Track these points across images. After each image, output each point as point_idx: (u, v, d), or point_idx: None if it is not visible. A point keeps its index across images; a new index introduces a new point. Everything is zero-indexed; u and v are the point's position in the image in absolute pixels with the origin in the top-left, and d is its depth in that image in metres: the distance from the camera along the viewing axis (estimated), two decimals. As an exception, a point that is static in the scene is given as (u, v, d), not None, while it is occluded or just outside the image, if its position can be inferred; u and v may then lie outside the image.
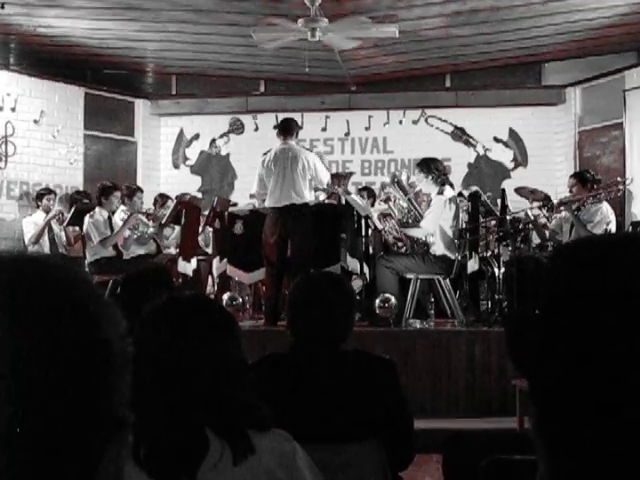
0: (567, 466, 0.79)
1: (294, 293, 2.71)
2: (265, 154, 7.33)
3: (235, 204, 8.48)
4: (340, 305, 2.62)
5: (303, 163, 7.01)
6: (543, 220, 7.81)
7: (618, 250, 0.83)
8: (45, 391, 0.70)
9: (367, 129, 10.84)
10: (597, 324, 0.77)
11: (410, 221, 7.40)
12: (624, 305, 0.77)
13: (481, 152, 10.64)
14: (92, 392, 0.72)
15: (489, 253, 7.45)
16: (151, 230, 8.26)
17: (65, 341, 0.71)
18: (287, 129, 7.24)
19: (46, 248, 8.72)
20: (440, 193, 6.95)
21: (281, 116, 7.76)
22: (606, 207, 7.40)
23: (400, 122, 10.72)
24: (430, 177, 6.94)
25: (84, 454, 0.72)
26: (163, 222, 8.32)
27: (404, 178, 7.53)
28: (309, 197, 7.14)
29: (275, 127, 7.58)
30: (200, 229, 8.48)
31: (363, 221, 7.42)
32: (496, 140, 10.61)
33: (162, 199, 9.16)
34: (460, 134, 10.66)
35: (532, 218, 7.61)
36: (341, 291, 2.68)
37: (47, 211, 8.87)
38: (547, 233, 7.75)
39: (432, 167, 6.97)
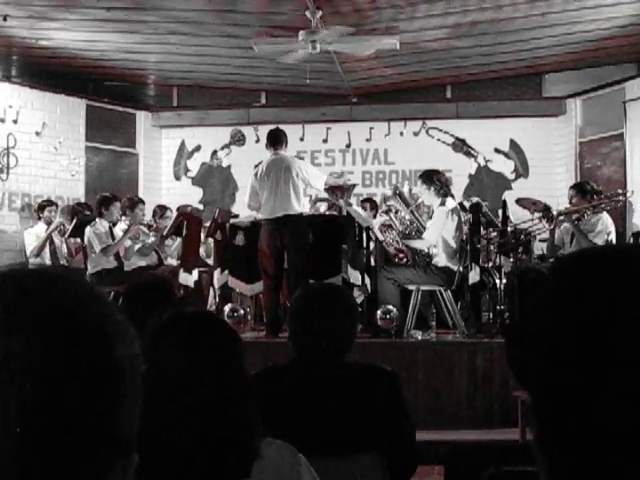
0: (568, 478, 0.79)
1: (295, 304, 2.71)
2: (257, 166, 7.33)
3: (236, 215, 8.47)
4: (342, 316, 2.62)
5: (296, 172, 6.98)
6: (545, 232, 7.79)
7: (619, 261, 0.83)
8: (48, 409, 0.68)
9: (368, 140, 10.85)
10: (598, 335, 0.77)
11: (412, 233, 7.40)
12: (625, 317, 0.77)
13: (482, 163, 10.64)
14: (98, 411, 0.71)
15: (490, 264, 7.44)
16: (152, 239, 8.26)
17: (72, 359, 0.70)
18: (276, 140, 7.18)
19: (47, 260, 8.69)
20: (442, 204, 6.95)
21: (282, 128, 7.72)
22: (606, 217, 7.40)
23: (401, 133, 10.73)
24: (432, 189, 6.94)
25: (88, 475, 0.71)
26: (165, 233, 8.32)
27: (406, 190, 7.54)
28: (304, 207, 7.13)
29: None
30: (201, 240, 8.48)
31: (364, 232, 7.43)
32: (497, 151, 10.62)
33: (161, 210, 9.16)
34: (461, 145, 10.67)
35: (536, 228, 7.59)
36: (343, 302, 2.67)
37: (49, 223, 8.82)
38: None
39: (434, 179, 6.98)
